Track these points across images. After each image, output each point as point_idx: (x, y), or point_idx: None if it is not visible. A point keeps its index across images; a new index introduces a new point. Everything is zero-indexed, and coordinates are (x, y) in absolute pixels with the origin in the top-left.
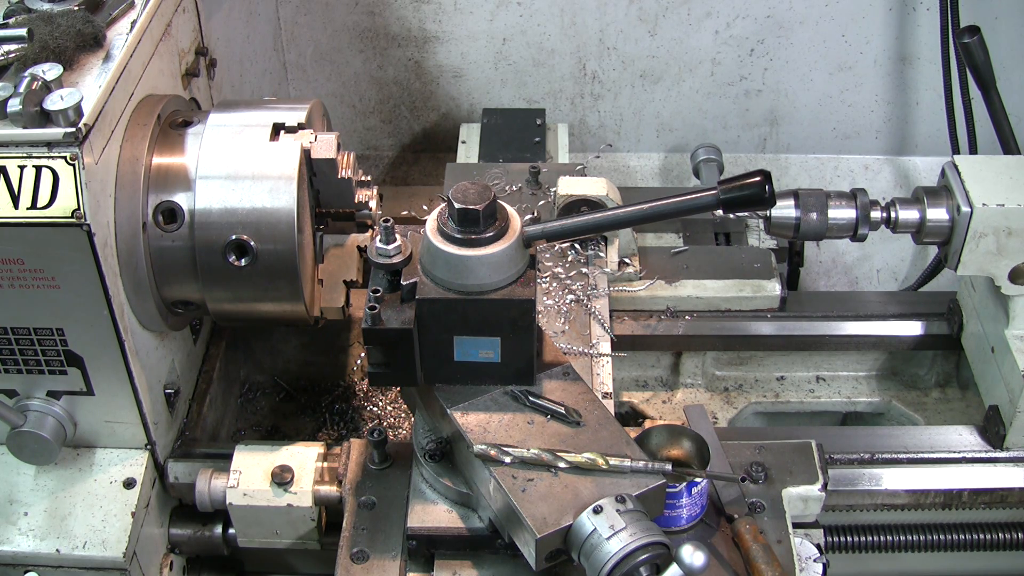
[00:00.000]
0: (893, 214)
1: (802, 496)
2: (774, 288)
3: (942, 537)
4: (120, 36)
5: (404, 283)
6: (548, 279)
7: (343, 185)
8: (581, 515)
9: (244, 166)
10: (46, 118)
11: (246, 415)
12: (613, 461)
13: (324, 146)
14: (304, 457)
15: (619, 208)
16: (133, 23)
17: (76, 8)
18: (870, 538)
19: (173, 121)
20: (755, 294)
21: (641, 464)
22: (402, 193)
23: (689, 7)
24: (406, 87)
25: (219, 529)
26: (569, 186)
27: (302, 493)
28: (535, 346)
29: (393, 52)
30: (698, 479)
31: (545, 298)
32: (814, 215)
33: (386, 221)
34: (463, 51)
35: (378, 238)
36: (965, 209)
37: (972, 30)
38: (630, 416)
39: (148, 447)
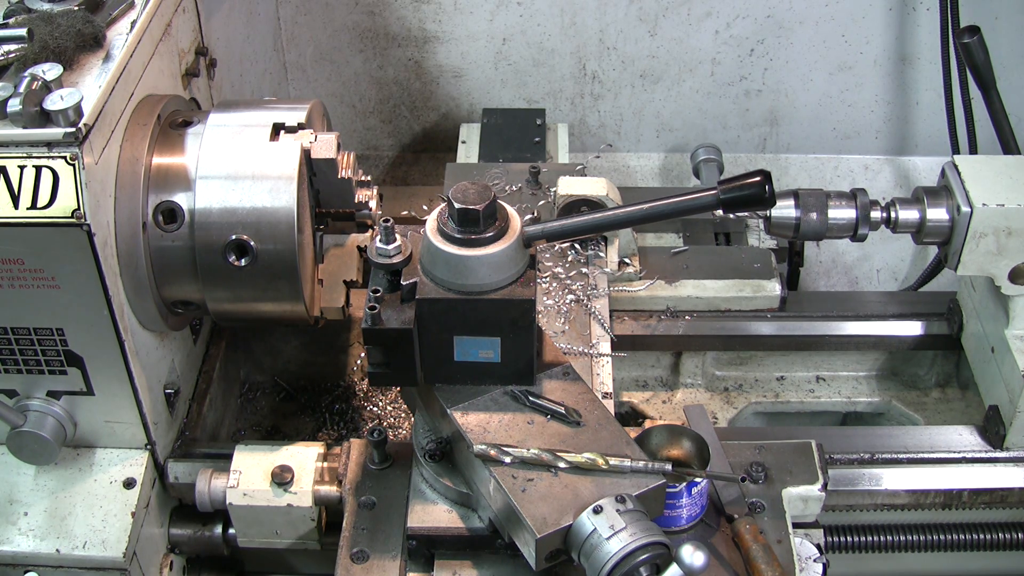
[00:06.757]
0: (893, 214)
1: (802, 496)
2: (774, 288)
3: (942, 537)
4: (120, 36)
5: (404, 283)
6: (548, 279)
7: (343, 185)
8: (581, 515)
9: (244, 166)
10: (46, 118)
11: (246, 415)
12: (613, 461)
13: (324, 146)
14: (304, 457)
15: (619, 208)
16: (133, 23)
17: (76, 8)
18: (870, 538)
19: (173, 121)
20: (755, 294)
21: (641, 464)
22: (402, 193)
23: (689, 7)
24: (406, 87)
25: (219, 529)
26: (569, 186)
27: (302, 493)
28: (535, 346)
29: (393, 52)
30: (698, 479)
31: (545, 298)
32: (814, 215)
33: (386, 221)
34: (463, 51)
35: (378, 238)
36: (965, 209)
37: (972, 30)
38: (630, 416)
39: (148, 447)
